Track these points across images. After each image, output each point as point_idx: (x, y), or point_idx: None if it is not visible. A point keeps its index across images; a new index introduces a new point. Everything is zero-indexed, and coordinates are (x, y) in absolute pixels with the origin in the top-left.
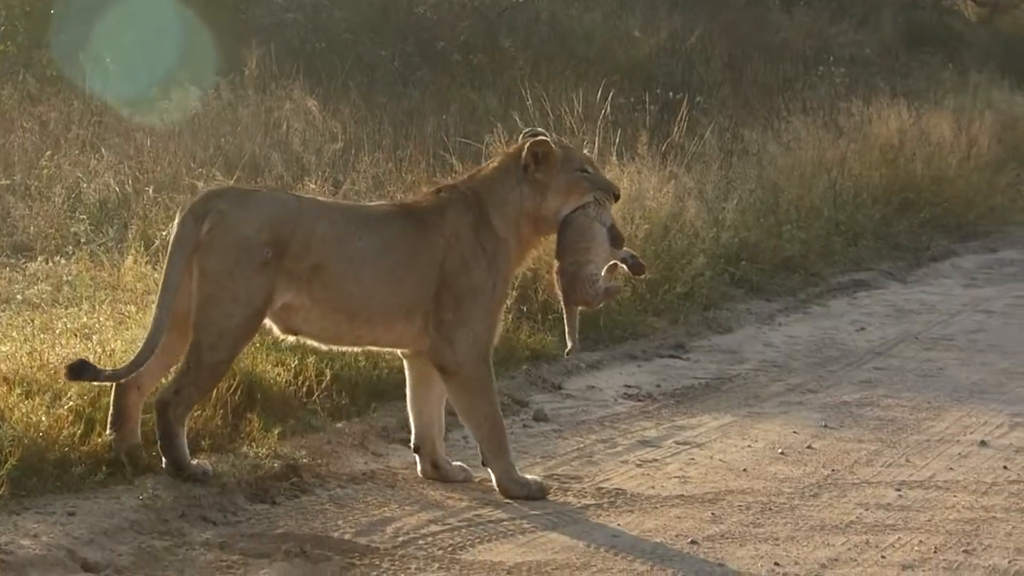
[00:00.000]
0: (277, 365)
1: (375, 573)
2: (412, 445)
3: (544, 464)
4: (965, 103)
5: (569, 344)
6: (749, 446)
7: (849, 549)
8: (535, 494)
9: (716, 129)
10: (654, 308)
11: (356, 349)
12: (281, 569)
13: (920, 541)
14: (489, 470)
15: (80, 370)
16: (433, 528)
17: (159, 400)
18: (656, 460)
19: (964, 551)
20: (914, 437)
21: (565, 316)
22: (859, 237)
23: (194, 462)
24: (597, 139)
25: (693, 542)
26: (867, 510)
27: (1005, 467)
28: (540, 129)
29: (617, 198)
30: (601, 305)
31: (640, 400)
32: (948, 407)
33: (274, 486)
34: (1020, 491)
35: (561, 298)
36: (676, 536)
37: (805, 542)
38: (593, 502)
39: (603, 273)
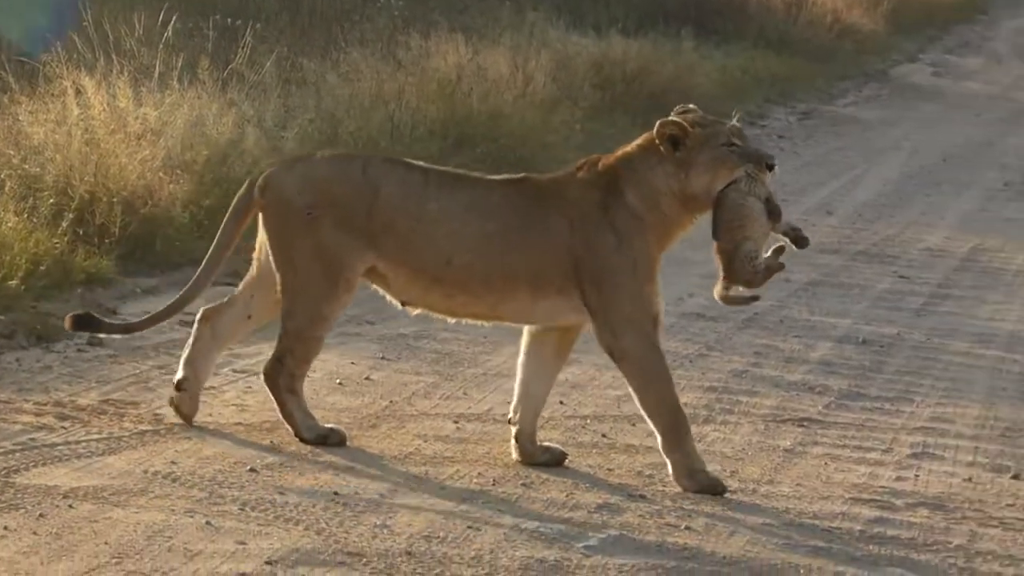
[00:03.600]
0: None
1: None
2: (508, 418)
3: (100, 389)
4: (522, 41)
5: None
6: (307, 376)
7: (408, 480)
8: (708, 489)
9: (276, 58)
10: (212, 235)
11: (485, 324)
12: None
13: (479, 473)
14: (667, 460)
15: (84, 322)
16: None
17: (265, 373)
18: (213, 388)
19: (522, 484)
20: (471, 371)
21: (723, 291)
22: None
23: (330, 425)
24: (158, 63)
25: (252, 470)
26: (426, 442)
27: (561, 402)
28: (691, 106)
29: (771, 168)
30: (763, 284)
31: None
32: (504, 342)
33: None
34: (575, 426)
35: (721, 276)
36: (235, 464)
37: (364, 472)
38: (151, 428)
39: (768, 253)
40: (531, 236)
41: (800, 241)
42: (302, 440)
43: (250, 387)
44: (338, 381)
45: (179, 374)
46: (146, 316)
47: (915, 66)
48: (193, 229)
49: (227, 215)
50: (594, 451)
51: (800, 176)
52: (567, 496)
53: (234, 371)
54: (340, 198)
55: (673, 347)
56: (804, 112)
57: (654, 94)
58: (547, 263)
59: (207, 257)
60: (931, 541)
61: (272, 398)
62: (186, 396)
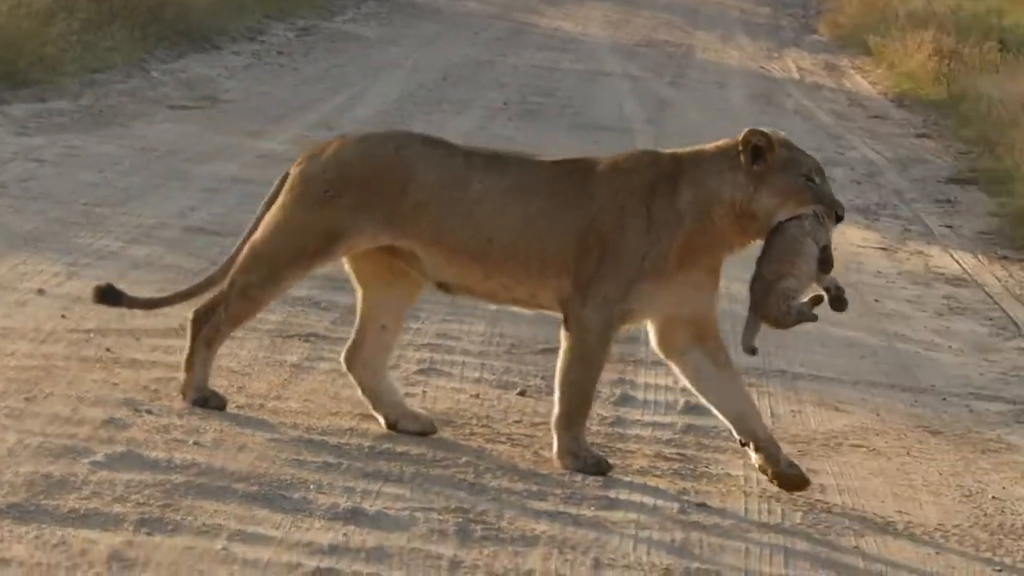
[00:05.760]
0: None
1: None
2: (739, 442)
3: None
4: None
5: (743, 343)
6: None
7: None
8: (590, 469)
9: None
10: None
11: (527, 312)
12: None
13: None
14: (553, 433)
15: (105, 294)
16: None
17: (193, 314)
18: None
19: (25, 399)
20: None
21: (747, 321)
22: None
23: (214, 390)
24: None
25: None
26: None
27: (63, 316)
28: (782, 133)
29: (840, 219)
30: (790, 328)
31: None
32: (3, 254)
33: None
34: (78, 340)
35: (750, 305)
36: None
37: None
38: None
39: (804, 299)
40: (572, 217)
41: (839, 303)
42: (184, 397)
43: None
44: None
45: (381, 420)
46: (173, 293)
47: None
48: None
49: (263, 202)
50: (98, 365)
51: (299, 92)
52: (72, 411)
53: None
54: (365, 180)
55: (177, 261)
56: (303, 28)
57: (152, 8)
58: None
59: (240, 241)
60: (440, 457)
61: (188, 342)
62: (406, 423)
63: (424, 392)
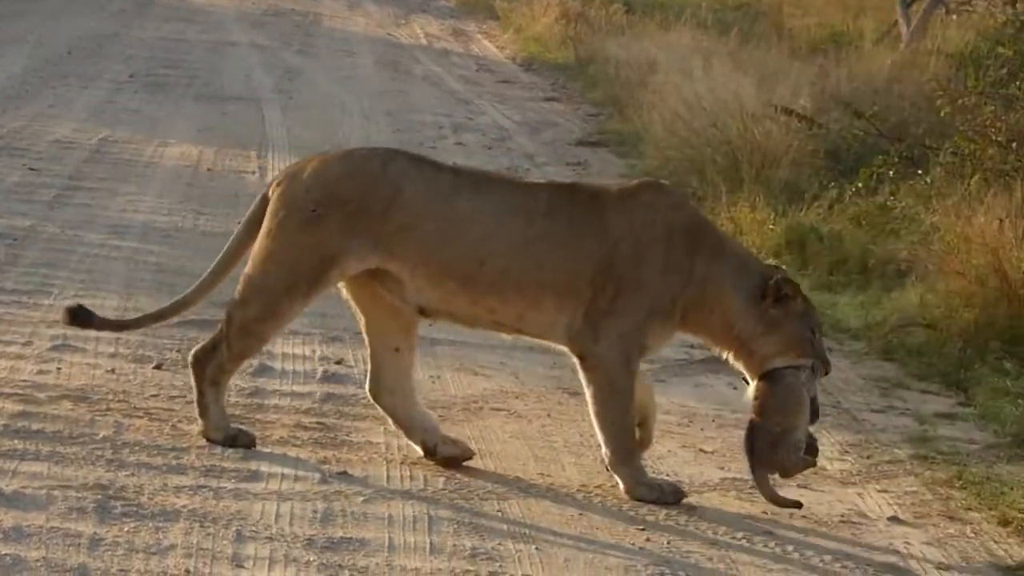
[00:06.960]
0: None
1: None
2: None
3: None
4: None
5: (776, 502)
6: None
7: None
8: (667, 497)
9: None
10: None
11: (506, 337)
12: None
13: None
14: (615, 475)
15: (75, 314)
16: None
17: (194, 356)
18: None
19: None
20: None
21: (755, 478)
22: None
23: (239, 427)
24: None
25: None
26: None
27: None
28: (782, 267)
29: (826, 374)
30: (792, 477)
31: None
32: None
33: None
34: None
35: (750, 458)
36: None
37: None
38: None
39: None
40: (583, 245)
41: (813, 450)
42: (208, 440)
43: None
44: None
45: (417, 446)
46: (142, 315)
47: None
48: None
49: (241, 223)
50: None
51: None
52: None
53: None
54: (351, 197)
55: None
56: None
57: None
58: (585, 274)
59: (216, 262)
60: (77, 434)
61: (193, 384)
62: (445, 448)
63: (59, 369)
